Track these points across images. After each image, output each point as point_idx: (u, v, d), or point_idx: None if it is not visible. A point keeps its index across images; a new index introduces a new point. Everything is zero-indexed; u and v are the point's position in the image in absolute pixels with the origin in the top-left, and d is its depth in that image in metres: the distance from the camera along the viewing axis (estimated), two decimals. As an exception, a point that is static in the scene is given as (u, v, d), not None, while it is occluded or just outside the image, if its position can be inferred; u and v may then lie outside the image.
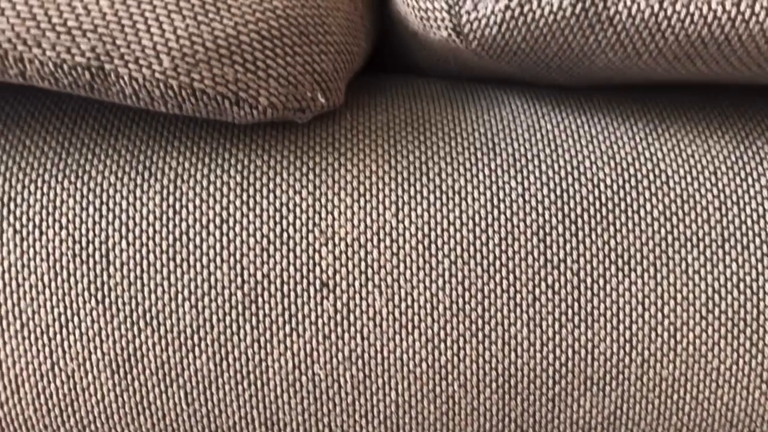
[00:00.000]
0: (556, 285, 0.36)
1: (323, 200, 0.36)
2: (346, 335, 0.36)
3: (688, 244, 0.36)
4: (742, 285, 0.36)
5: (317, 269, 0.36)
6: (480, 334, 0.36)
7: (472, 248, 0.36)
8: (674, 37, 0.34)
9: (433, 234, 0.36)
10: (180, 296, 0.35)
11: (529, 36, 0.35)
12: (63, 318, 0.36)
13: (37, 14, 0.32)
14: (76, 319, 0.36)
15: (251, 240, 0.35)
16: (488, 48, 0.37)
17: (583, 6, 0.34)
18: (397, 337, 0.36)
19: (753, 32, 0.33)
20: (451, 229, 0.36)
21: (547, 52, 0.36)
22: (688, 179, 0.37)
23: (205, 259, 0.35)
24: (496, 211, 0.36)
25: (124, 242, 0.35)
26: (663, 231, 0.36)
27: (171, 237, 0.35)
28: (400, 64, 0.47)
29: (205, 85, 0.33)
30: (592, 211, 0.36)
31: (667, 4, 0.33)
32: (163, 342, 0.36)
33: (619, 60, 0.36)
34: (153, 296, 0.35)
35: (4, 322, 0.36)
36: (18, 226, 0.35)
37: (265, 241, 0.35)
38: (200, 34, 0.33)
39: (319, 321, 0.36)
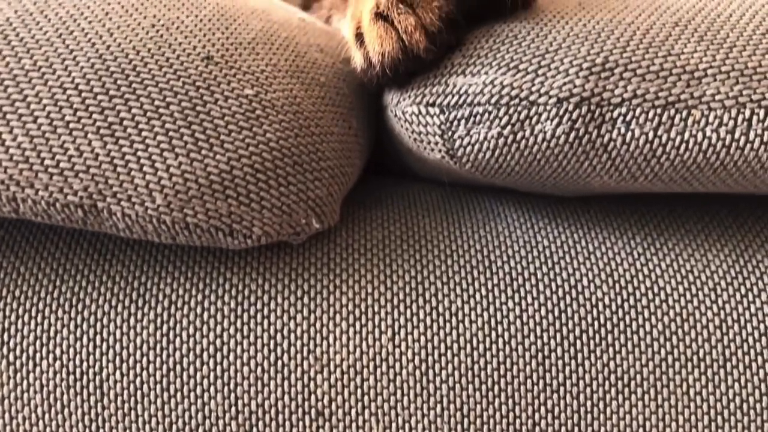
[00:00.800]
0: (556, 409, 0.36)
1: (318, 325, 0.36)
2: (343, 465, 0.35)
3: (689, 365, 0.36)
4: (745, 406, 0.36)
5: (312, 398, 0.35)
6: (479, 461, 0.36)
7: (470, 373, 0.35)
8: (670, 162, 0.34)
9: (430, 359, 0.36)
10: (174, 427, 0.35)
11: (522, 161, 0.35)
12: (56, 450, 0.35)
13: (29, 157, 0.32)
14: (69, 450, 0.35)
15: (245, 369, 0.35)
16: (482, 169, 0.36)
17: (577, 134, 0.34)
18: (395, 466, 0.35)
19: (748, 158, 0.33)
20: (449, 353, 0.36)
21: (542, 174, 0.36)
22: (688, 296, 0.37)
23: (199, 389, 0.35)
24: (494, 334, 0.36)
25: (118, 373, 0.35)
26: (663, 351, 0.36)
27: (165, 367, 0.35)
28: (396, 165, 0.47)
29: (199, 219, 0.33)
30: (590, 332, 0.36)
31: (661, 131, 0.33)
32: (158, 473, 0.35)
33: (614, 182, 0.36)
34: (147, 427, 0.35)
35: (-3, 455, 0.35)
36: (12, 358, 0.35)
37: (259, 369, 0.35)
38: (193, 170, 0.33)
39: (316, 451, 0.35)
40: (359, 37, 0.37)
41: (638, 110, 0.33)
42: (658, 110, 0.33)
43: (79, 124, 0.32)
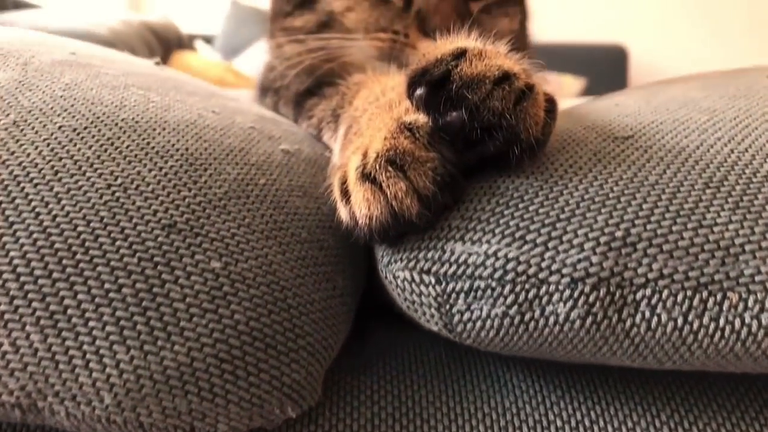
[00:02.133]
0: None
1: None
2: None
3: None
4: None
5: None
6: None
7: None
8: (702, 351, 0.29)
9: None
10: None
11: (531, 341, 0.30)
12: None
13: (-44, 354, 0.27)
14: None
15: None
16: (485, 346, 0.32)
17: (594, 319, 0.29)
18: None
19: (795, 348, 0.28)
20: None
21: (553, 354, 0.31)
22: (725, 492, 0.32)
23: None
24: None
25: None
26: None
27: None
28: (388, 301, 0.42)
29: (154, 419, 0.28)
30: None
31: (692, 316, 0.28)
32: None
33: (637, 365, 0.31)
34: None
35: None
36: None
37: None
38: (147, 365, 0.28)
39: None
40: (345, 193, 0.32)
41: (665, 292, 0.29)
42: (689, 292, 0.28)
43: (15, 315, 0.28)
